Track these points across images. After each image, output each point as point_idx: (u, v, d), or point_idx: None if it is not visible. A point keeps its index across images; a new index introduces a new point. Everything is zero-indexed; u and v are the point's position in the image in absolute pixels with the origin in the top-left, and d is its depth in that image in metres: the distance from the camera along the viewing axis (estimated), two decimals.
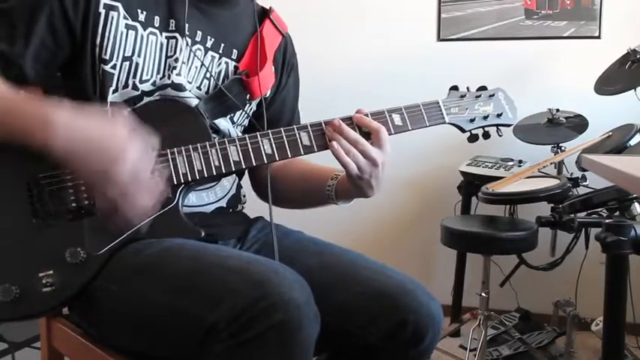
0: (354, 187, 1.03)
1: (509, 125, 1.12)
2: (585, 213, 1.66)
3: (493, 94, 1.12)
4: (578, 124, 2.26)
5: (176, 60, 1.03)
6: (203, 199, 1.08)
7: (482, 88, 1.13)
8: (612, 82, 2.16)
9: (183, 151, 0.97)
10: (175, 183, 0.97)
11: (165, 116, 1.00)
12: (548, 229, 2.12)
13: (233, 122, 1.13)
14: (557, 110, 2.30)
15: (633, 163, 0.91)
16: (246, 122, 1.17)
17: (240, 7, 1.13)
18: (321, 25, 2.76)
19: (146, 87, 1.02)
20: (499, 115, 1.11)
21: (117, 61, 0.99)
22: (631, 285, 1.45)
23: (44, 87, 1.01)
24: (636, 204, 1.60)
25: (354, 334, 0.97)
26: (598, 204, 1.61)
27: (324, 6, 2.80)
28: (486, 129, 1.12)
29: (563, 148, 2.28)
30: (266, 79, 1.13)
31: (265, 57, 1.12)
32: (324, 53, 2.73)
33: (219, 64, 1.10)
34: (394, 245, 2.79)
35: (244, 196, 1.20)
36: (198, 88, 1.07)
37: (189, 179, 0.97)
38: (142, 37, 1.01)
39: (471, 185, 2.42)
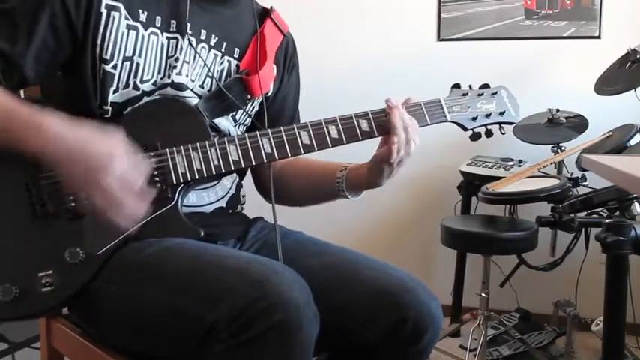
0: (377, 173, 1.04)
1: (512, 123, 1.12)
2: (585, 213, 1.66)
3: (496, 92, 1.12)
4: (578, 124, 2.26)
5: (177, 60, 1.03)
6: (203, 199, 1.08)
7: (485, 86, 1.12)
8: (612, 82, 2.16)
9: (183, 151, 0.97)
10: (175, 183, 0.97)
11: (164, 115, 1.00)
12: (548, 229, 2.12)
13: (235, 121, 1.13)
14: (557, 110, 2.30)
15: (633, 163, 0.91)
16: (248, 121, 1.17)
17: (242, 7, 1.14)
18: (321, 25, 2.76)
19: (147, 87, 1.02)
20: (502, 113, 1.11)
21: (118, 61, 0.99)
22: (631, 285, 1.45)
23: (45, 87, 1.01)
24: (636, 204, 1.60)
25: (354, 332, 0.97)
26: (598, 204, 1.61)
27: (324, 6, 2.80)
28: (489, 127, 1.11)
29: (563, 148, 2.28)
30: (266, 78, 1.13)
31: (266, 56, 1.12)
32: (324, 53, 2.73)
33: (222, 62, 1.10)
34: (394, 245, 2.79)
35: (243, 196, 1.20)
36: (201, 86, 1.07)
37: (189, 179, 0.97)
38: (143, 37, 1.01)
39: (470, 185, 2.42)
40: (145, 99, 1.01)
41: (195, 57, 1.05)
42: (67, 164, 0.87)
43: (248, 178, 1.24)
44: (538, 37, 2.63)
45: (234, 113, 1.12)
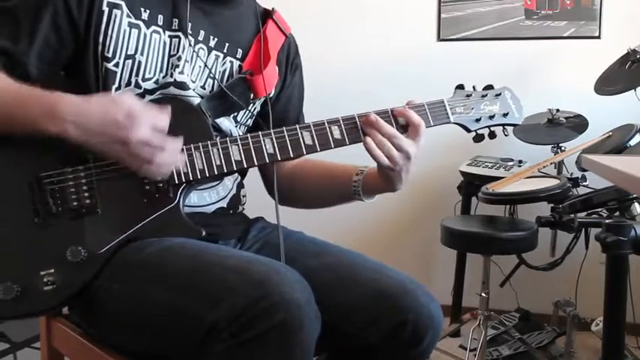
0: (385, 180, 1.04)
1: (515, 125, 1.11)
2: (585, 213, 1.66)
3: (499, 94, 1.11)
4: (578, 124, 2.26)
5: (179, 59, 1.03)
6: (205, 199, 1.08)
7: (489, 87, 1.11)
8: (612, 82, 2.16)
9: (185, 150, 0.97)
10: (177, 182, 0.97)
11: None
12: (548, 229, 2.12)
13: (236, 122, 1.13)
14: (557, 110, 2.30)
15: (633, 163, 0.91)
16: (249, 122, 1.17)
17: (243, 8, 1.14)
18: (321, 25, 2.76)
19: (149, 85, 1.02)
20: (505, 115, 1.10)
21: (120, 59, 0.99)
22: (631, 285, 1.45)
23: (46, 85, 1.01)
24: (636, 204, 1.61)
25: (354, 334, 0.97)
26: (598, 204, 1.61)
27: (324, 6, 2.80)
28: (492, 128, 1.11)
29: (563, 148, 2.28)
30: (270, 78, 1.12)
31: (269, 56, 1.12)
32: (325, 53, 2.73)
33: (224, 63, 1.10)
34: (394, 245, 2.79)
35: (244, 196, 1.20)
36: (202, 87, 1.07)
37: (191, 178, 0.97)
38: (145, 35, 1.01)
39: (471, 185, 2.42)
40: (147, 98, 1.01)
41: (194, 57, 1.05)
42: (97, 135, 0.88)
43: (248, 178, 1.24)
44: (538, 37, 2.64)
45: (235, 114, 1.12)
